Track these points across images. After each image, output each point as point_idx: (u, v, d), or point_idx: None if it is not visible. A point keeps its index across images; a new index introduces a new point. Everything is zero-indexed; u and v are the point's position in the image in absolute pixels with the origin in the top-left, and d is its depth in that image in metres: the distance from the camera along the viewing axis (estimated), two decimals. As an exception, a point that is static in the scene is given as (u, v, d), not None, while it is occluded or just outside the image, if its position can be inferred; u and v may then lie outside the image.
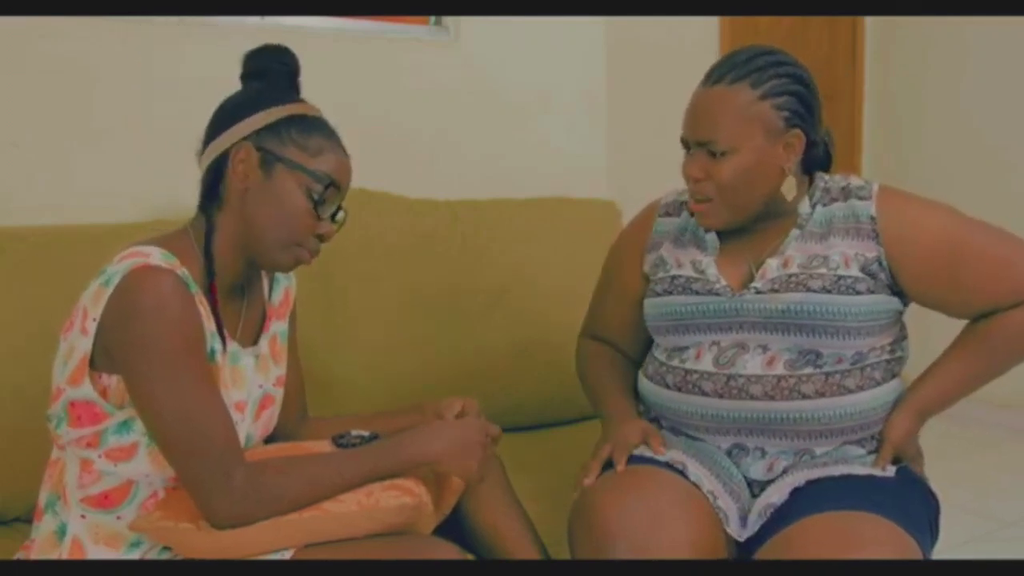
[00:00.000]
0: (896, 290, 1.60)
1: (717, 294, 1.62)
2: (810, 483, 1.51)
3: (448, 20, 2.65)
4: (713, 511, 1.53)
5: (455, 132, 2.69)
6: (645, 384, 1.73)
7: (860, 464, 1.56)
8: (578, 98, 2.89)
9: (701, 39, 3.75)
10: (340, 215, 1.47)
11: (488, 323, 2.23)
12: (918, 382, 1.64)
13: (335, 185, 1.42)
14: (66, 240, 1.82)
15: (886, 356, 1.61)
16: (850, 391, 1.56)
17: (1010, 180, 3.98)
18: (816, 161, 1.66)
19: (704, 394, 1.60)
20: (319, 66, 2.44)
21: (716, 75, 1.57)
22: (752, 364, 1.58)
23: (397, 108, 2.58)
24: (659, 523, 1.45)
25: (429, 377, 2.15)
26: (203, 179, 1.44)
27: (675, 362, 1.66)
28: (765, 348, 1.58)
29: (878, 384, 1.59)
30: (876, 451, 1.59)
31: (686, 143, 1.62)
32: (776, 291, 1.57)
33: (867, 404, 1.57)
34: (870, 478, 1.52)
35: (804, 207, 1.63)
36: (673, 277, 1.68)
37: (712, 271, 1.65)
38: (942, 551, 1.52)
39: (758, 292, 1.59)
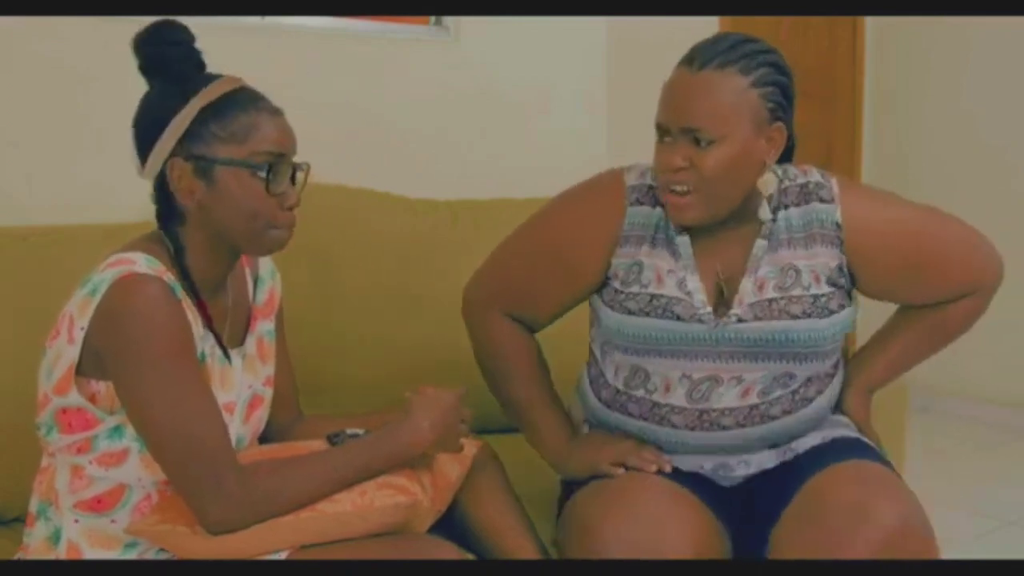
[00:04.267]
0: (851, 294, 1.61)
1: (701, 321, 1.53)
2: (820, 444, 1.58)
3: (448, 20, 2.65)
4: (710, 513, 1.53)
5: (455, 132, 2.68)
6: (601, 410, 1.66)
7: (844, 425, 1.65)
8: (578, 98, 2.89)
9: (701, 39, 3.74)
10: (299, 176, 1.41)
11: (488, 323, 2.22)
12: (866, 361, 1.70)
13: (277, 156, 1.36)
14: (66, 240, 1.82)
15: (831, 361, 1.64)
16: (811, 400, 1.59)
17: (1010, 180, 3.98)
18: (781, 157, 1.58)
19: (673, 427, 1.58)
20: (319, 66, 2.46)
21: (703, 59, 1.47)
22: (727, 397, 1.55)
23: (397, 108, 2.57)
24: (661, 535, 1.44)
25: (428, 378, 2.12)
26: (154, 198, 1.40)
27: (639, 392, 1.59)
28: (740, 379, 1.55)
29: (828, 383, 1.63)
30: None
31: (664, 129, 1.50)
32: (759, 319, 1.53)
33: (825, 404, 1.63)
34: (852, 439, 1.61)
35: (764, 213, 1.56)
36: (652, 296, 1.55)
37: (699, 296, 1.54)
38: (943, 551, 1.51)
39: (740, 320, 1.53)
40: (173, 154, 1.35)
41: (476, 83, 2.70)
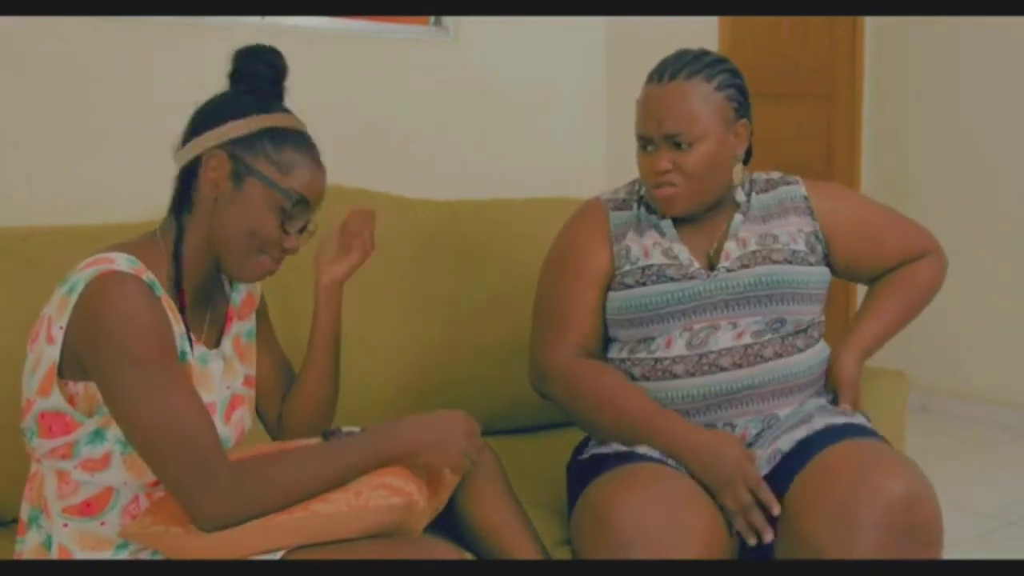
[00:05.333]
0: (827, 261, 1.79)
1: (692, 277, 1.68)
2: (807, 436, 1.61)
3: (448, 20, 2.65)
4: (718, 510, 1.54)
5: (455, 132, 2.68)
6: None
7: (832, 412, 1.67)
8: (578, 98, 2.89)
9: (701, 39, 3.73)
10: (309, 227, 1.46)
11: (487, 324, 2.22)
12: (854, 328, 1.81)
13: (305, 202, 1.42)
14: (66, 240, 1.82)
15: (818, 319, 1.76)
16: (800, 350, 1.70)
17: (1009, 180, 3.98)
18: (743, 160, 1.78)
19: (675, 377, 1.66)
20: (319, 66, 2.46)
21: (671, 72, 1.67)
22: (723, 340, 1.66)
23: (397, 108, 2.57)
24: (675, 523, 1.47)
25: (427, 378, 2.15)
26: (176, 181, 1.44)
27: (642, 354, 1.69)
28: (735, 325, 1.67)
29: (816, 342, 1.74)
30: (833, 399, 1.75)
31: (646, 140, 1.69)
32: (746, 267, 1.69)
33: (813, 360, 1.72)
34: (855, 425, 1.64)
35: (740, 195, 1.76)
36: (644, 268, 1.70)
37: (684, 255, 1.71)
38: (944, 550, 1.52)
39: (728, 271, 1.69)
40: (218, 148, 1.39)
41: (476, 83, 2.71)
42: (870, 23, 4.40)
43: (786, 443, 1.61)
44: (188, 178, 1.42)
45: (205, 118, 1.42)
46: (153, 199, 2.15)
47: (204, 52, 2.26)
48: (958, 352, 4.07)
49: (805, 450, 1.57)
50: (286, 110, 1.46)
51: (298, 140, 1.43)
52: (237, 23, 2.29)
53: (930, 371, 4.05)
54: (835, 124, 4.40)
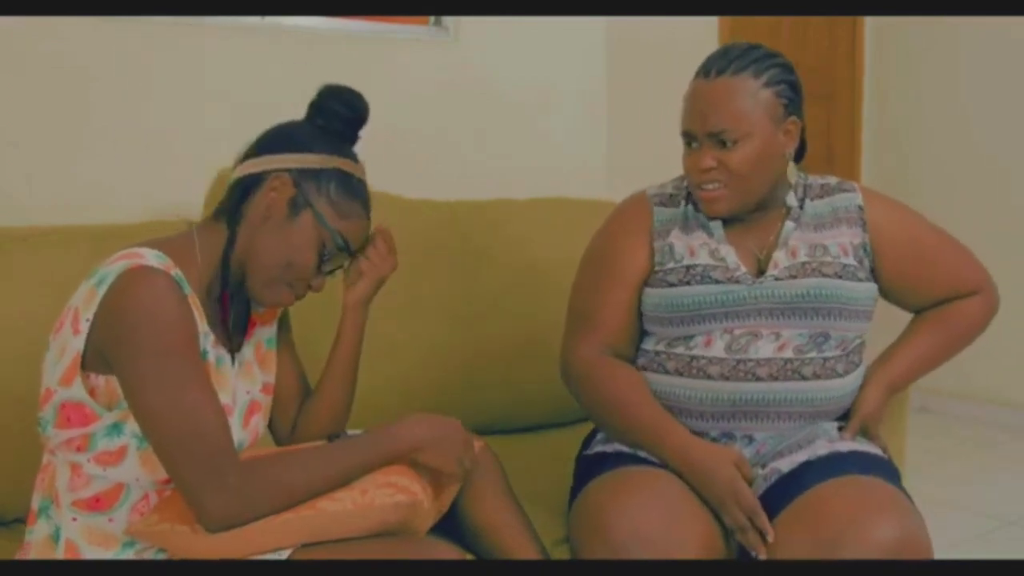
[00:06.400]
0: (874, 277, 1.71)
1: (738, 281, 1.64)
2: (809, 460, 1.58)
3: (448, 20, 2.66)
4: (713, 516, 1.54)
5: (455, 132, 2.69)
6: None
7: (839, 439, 1.64)
8: (578, 98, 2.89)
9: (701, 39, 3.74)
10: (338, 271, 1.51)
11: (487, 324, 2.22)
12: (885, 360, 1.74)
13: (347, 248, 1.47)
14: (66, 240, 1.82)
15: (859, 340, 1.71)
16: (839, 375, 1.64)
17: (1010, 180, 3.98)
18: (796, 153, 1.72)
19: (708, 377, 1.62)
20: (319, 66, 2.46)
21: (718, 67, 1.61)
22: (764, 350, 1.62)
23: (397, 108, 2.57)
24: (670, 527, 1.46)
25: (427, 378, 2.15)
26: (231, 189, 1.45)
27: (679, 349, 1.65)
28: (778, 335, 1.63)
29: (855, 367, 1.68)
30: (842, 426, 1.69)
31: (691, 136, 1.63)
32: (794, 277, 1.64)
33: (849, 387, 1.67)
34: (861, 453, 1.61)
35: (792, 200, 1.71)
36: (688, 267, 1.66)
37: (732, 258, 1.66)
38: (944, 550, 1.52)
39: (776, 279, 1.64)
40: (286, 172, 1.42)
41: (476, 83, 2.71)
42: (870, 23, 4.40)
43: (787, 464, 1.58)
44: (244, 190, 1.44)
45: (279, 140, 1.46)
46: (153, 199, 2.17)
47: (204, 52, 2.27)
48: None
49: (801, 478, 1.54)
50: (356, 157, 1.50)
51: (360, 190, 1.48)
52: (237, 23, 2.29)
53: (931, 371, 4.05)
54: (835, 124, 4.41)
